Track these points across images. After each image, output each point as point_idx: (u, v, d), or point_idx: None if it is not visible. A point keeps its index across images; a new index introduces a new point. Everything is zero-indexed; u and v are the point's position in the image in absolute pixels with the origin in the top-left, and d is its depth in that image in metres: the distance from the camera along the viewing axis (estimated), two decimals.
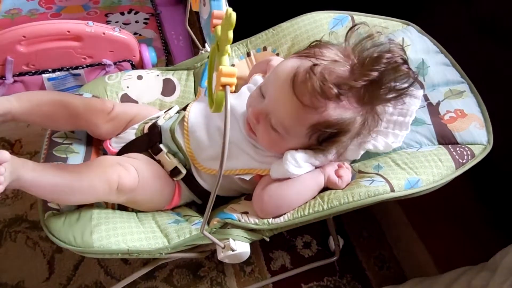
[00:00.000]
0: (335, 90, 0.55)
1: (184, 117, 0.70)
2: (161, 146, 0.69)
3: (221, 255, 0.61)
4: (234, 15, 0.42)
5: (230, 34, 0.43)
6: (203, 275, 0.87)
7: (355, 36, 0.62)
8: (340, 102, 0.57)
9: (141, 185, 0.63)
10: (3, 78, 0.99)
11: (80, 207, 0.66)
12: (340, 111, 0.58)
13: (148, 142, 0.70)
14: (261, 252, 0.90)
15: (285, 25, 0.83)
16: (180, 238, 0.63)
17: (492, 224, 0.84)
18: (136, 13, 1.43)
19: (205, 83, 0.59)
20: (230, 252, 0.60)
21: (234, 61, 0.84)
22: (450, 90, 0.71)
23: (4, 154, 0.51)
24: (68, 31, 0.96)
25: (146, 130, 0.72)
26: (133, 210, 0.71)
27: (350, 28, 0.64)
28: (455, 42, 0.79)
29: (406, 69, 0.59)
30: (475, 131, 0.66)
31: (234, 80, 0.42)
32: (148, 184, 0.65)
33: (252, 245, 0.63)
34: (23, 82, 1.01)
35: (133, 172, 0.63)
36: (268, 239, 0.63)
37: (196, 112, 0.71)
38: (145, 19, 1.41)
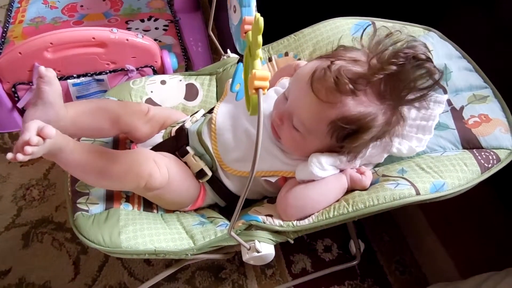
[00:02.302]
0: (350, 85, 0.56)
1: (211, 119, 0.72)
2: (188, 148, 0.71)
3: (246, 257, 0.62)
4: (262, 20, 0.44)
5: (260, 39, 0.45)
6: (225, 277, 0.88)
7: (374, 38, 0.62)
8: (357, 97, 0.57)
9: (168, 184, 0.65)
10: (31, 84, 1.02)
11: (108, 208, 0.67)
12: (360, 107, 0.58)
13: (175, 144, 0.72)
14: (282, 255, 0.90)
15: (306, 31, 0.84)
16: (205, 239, 0.64)
17: None
18: (155, 20, 1.46)
19: (235, 87, 0.60)
20: (255, 254, 0.61)
21: None
22: (474, 95, 0.72)
23: (51, 131, 0.52)
24: (93, 38, 0.98)
25: (173, 133, 0.74)
26: (157, 210, 0.72)
27: (364, 30, 0.65)
28: (477, 47, 0.80)
29: (430, 67, 0.58)
30: (500, 136, 0.66)
31: (267, 84, 0.43)
32: (175, 183, 0.66)
33: None
34: None
35: (164, 171, 0.64)
36: (292, 241, 0.64)
37: (223, 113, 0.73)
38: (165, 25, 1.44)
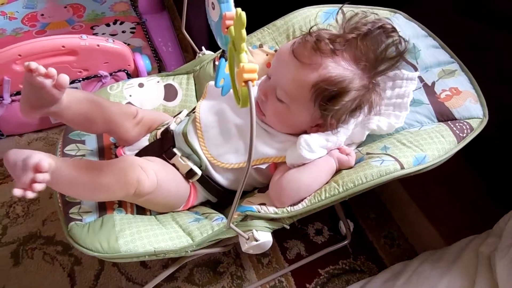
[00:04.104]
0: (330, 45, 0.61)
1: (195, 118, 0.72)
2: (175, 150, 0.71)
3: (245, 246, 0.63)
4: (244, 14, 0.45)
5: (244, 33, 0.46)
6: (223, 271, 0.89)
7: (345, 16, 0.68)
8: (336, 59, 0.62)
9: (158, 188, 0.65)
10: (1, 98, 0.99)
11: (101, 215, 0.67)
12: (339, 69, 0.62)
13: (162, 147, 0.72)
14: (276, 243, 0.93)
15: (279, 22, 0.85)
16: (203, 235, 0.65)
17: (489, 194, 0.89)
18: (121, 23, 1.44)
19: (220, 83, 0.62)
20: (254, 243, 0.63)
21: None
22: (443, 70, 0.75)
23: (49, 163, 0.53)
24: (63, 46, 0.97)
25: (158, 136, 0.74)
26: (150, 212, 0.73)
27: (338, 11, 0.70)
28: (441, 25, 0.83)
29: (397, 35, 0.65)
30: (471, 106, 0.70)
31: (255, 76, 0.45)
32: (165, 186, 0.66)
33: None
34: None
35: (152, 176, 0.64)
36: (288, 227, 0.66)
37: (206, 111, 0.73)
38: (132, 28, 1.42)
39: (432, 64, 0.77)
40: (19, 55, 0.94)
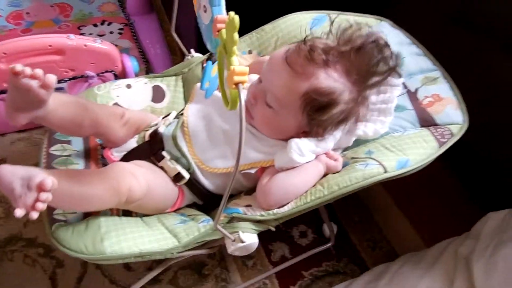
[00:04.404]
0: (323, 56, 0.62)
1: (183, 122, 0.73)
2: (164, 153, 0.71)
3: (231, 248, 0.64)
4: (237, 18, 0.46)
5: (236, 36, 0.47)
6: (208, 273, 0.89)
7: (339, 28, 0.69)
8: (328, 71, 0.62)
9: (148, 194, 0.65)
10: None
11: (86, 216, 0.67)
12: (330, 81, 0.63)
13: (150, 149, 0.72)
14: (261, 245, 0.92)
15: (267, 27, 0.86)
16: (189, 236, 0.66)
17: (469, 198, 0.92)
18: (109, 24, 1.43)
19: (205, 85, 0.62)
20: (240, 244, 0.63)
21: None
22: (426, 77, 0.78)
23: (52, 182, 0.52)
24: (50, 45, 0.96)
25: (147, 138, 0.74)
26: (137, 215, 0.72)
27: (332, 21, 0.70)
28: (426, 33, 0.86)
29: (389, 51, 0.66)
30: (452, 112, 0.72)
31: (246, 78, 0.46)
32: (154, 193, 0.66)
33: None
34: (4, 100, 1.00)
35: (143, 182, 0.64)
36: (274, 229, 0.67)
37: (194, 115, 0.74)
38: (119, 29, 1.41)
39: (415, 71, 0.79)
40: (4, 53, 0.93)
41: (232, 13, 0.46)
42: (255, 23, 0.88)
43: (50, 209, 0.66)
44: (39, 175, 0.52)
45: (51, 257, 0.88)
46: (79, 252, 0.62)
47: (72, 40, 0.97)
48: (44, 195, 0.52)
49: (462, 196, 0.92)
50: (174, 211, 0.75)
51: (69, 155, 0.74)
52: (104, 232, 0.64)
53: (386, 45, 0.67)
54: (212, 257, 0.91)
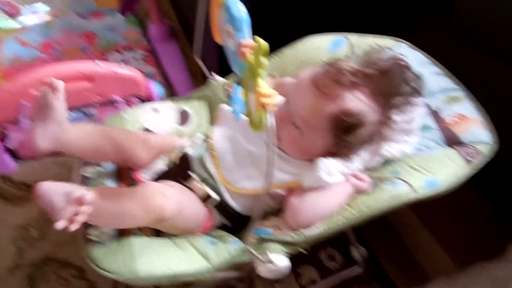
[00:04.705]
0: (350, 78, 0.63)
1: (210, 144, 0.75)
2: (192, 174, 0.73)
3: (262, 271, 0.64)
4: (265, 43, 0.48)
5: (264, 60, 0.49)
6: None
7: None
8: (355, 93, 0.64)
9: (178, 214, 0.66)
10: (19, 122, 1.01)
11: (119, 236, 0.68)
12: (357, 102, 0.64)
13: (179, 171, 0.74)
14: None
15: (287, 51, 0.88)
16: (219, 258, 0.67)
17: (498, 218, 0.90)
18: (133, 51, 1.49)
19: (234, 107, 0.64)
20: (272, 267, 0.63)
21: None
22: (448, 96, 0.77)
23: (90, 197, 0.57)
24: (80, 72, 1.00)
25: (177, 161, 0.76)
26: (167, 236, 0.74)
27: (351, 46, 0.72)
28: (442, 54, 0.86)
29: (412, 73, 0.68)
30: (478, 131, 0.71)
31: (273, 100, 0.47)
32: (184, 213, 0.68)
33: None
34: None
35: (174, 202, 0.65)
36: (305, 252, 0.67)
37: (221, 137, 0.76)
38: (143, 56, 1.47)
39: (437, 91, 0.79)
40: (38, 80, 0.97)
41: (259, 38, 0.48)
42: (273, 46, 0.90)
43: (85, 229, 0.68)
44: (79, 190, 0.57)
45: (85, 279, 0.90)
46: (113, 273, 0.63)
47: (101, 66, 1.02)
48: (83, 208, 0.55)
49: (491, 215, 0.90)
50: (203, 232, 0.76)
51: (101, 177, 0.77)
52: (137, 253, 0.65)
53: (408, 67, 0.69)
54: (241, 281, 0.90)
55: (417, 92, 0.69)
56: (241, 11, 0.56)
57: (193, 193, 0.72)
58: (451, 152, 0.70)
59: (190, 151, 0.76)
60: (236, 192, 0.72)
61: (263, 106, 0.47)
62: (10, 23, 1.58)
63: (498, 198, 0.91)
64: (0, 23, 1.59)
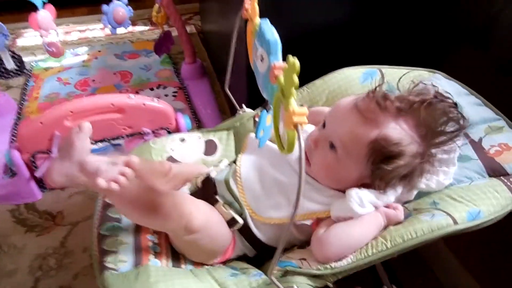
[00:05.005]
0: (397, 104, 0.61)
1: (235, 171, 0.73)
2: (217, 197, 0.71)
3: None
4: (297, 61, 0.47)
5: (295, 78, 0.47)
6: None
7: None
8: (399, 121, 0.61)
9: (206, 228, 0.64)
10: (50, 152, 1.04)
11: (137, 265, 0.65)
12: (399, 131, 0.61)
13: (203, 195, 0.72)
14: None
15: (318, 82, 0.88)
16: None
17: None
18: (164, 87, 1.53)
19: (260, 134, 0.63)
20: None
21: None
22: (489, 126, 0.73)
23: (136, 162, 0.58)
24: (112, 104, 1.03)
25: (199, 185, 0.74)
26: (185, 264, 0.70)
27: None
28: (478, 85, 0.83)
29: (458, 111, 0.65)
30: None
31: (305, 120, 0.45)
32: (212, 228, 0.66)
33: None
34: None
35: (203, 212, 0.64)
36: (332, 285, 0.61)
37: (247, 165, 0.74)
38: (174, 92, 1.51)
39: (477, 121, 0.75)
40: (71, 111, 1.00)
41: (291, 57, 0.47)
42: (306, 79, 0.90)
43: (101, 256, 0.66)
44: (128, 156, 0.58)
45: None
46: None
47: (132, 99, 1.04)
48: (128, 170, 0.57)
49: None
50: (224, 263, 0.72)
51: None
52: (153, 282, 0.61)
53: (455, 105, 0.66)
54: None
55: (462, 130, 0.66)
56: (274, 34, 0.56)
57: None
58: (495, 182, 0.65)
59: (214, 174, 0.74)
60: (261, 221, 0.68)
61: (295, 126, 0.45)
62: (52, 64, 1.69)
63: None
64: (43, 63, 1.70)
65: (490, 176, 0.68)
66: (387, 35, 1.05)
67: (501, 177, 0.66)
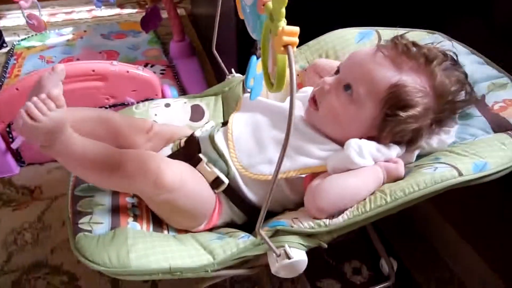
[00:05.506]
0: (423, 50, 0.60)
1: (227, 127, 0.68)
2: (201, 155, 0.65)
3: (275, 266, 0.54)
4: None
5: (283, 9, 0.42)
6: None
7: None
8: (421, 72, 0.60)
9: (181, 187, 0.58)
10: None
11: (113, 227, 0.60)
12: (419, 81, 0.60)
13: (186, 154, 0.67)
14: (308, 282, 0.81)
15: (312, 43, 0.84)
16: (226, 253, 0.57)
17: None
18: (152, 66, 1.47)
19: (250, 82, 0.58)
20: (287, 261, 0.53)
21: None
22: (493, 83, 0.69)
23: (62, 99, 0.53)
24: (93, 71, 0.97)
25: (182, 144, 0.69)
26: (168, 231, 0.65)
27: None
28: (479, 50, 0.79)
29: (470, 86, 0.65)
30: None
31: (296, 40, 0.40)
32: (188, 187, 0.59)
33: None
34: None
35: (176, 171, 0.58)
36: (325, 245, 0.56)
37: (239, 121, 0.69)
38: (162, 70, 1.45)
39: (479, 79, 0.71)
40: None
41: None
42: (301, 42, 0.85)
43: (75, 217, 0.60)
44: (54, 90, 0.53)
45: (75, 286, 0.80)
46: (101, 265, 0.54)
47: (115, 66, 0.98)
48: (50, 103, 0.52)
49: None
50: (211, 230, 0.67)
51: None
52: (131, 244, 0.56)
53: (467, 77, 0.65)
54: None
55: (472, 103, 0.66)
56: None
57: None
58: (502, 136, 0.61)
59: (198, 134, 0.69)
60: (252, 179, 0.63)
61: (285, 47, 0.40)
62: (35, 43, 1.62)
63: None
64: (26, 42, 1.63)
65: (495, 132, 0.63)
66: None
67: (508, 131, 0.61)
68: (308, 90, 0.73)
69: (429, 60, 0.60)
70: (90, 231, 0.59)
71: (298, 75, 0.83)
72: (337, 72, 0.65)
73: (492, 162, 0.55)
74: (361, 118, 0.61)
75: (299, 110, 0.69)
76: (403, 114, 0.58)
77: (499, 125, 0.63)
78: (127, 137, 0.68)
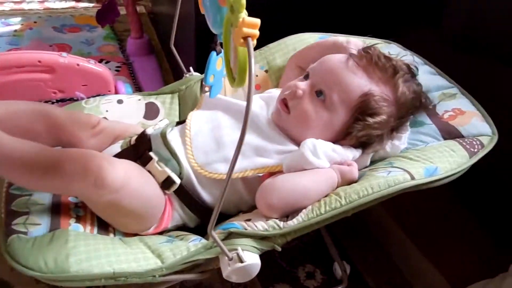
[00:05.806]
0: (392, 62, 0.64)
1: (185, 124, 0.66)
2: (151, 154, 0.62)
3: (228, 270, 0.52)
4: None
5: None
6: None
7: None
8: (387, 84, 0.63)
9: (125, 187, 0.54)
10: None
11: (53, 229, 0.55)
12: (386, 91, 0.63)
13: (136, 152, 0.63)
14: (260, 286, 0.79)
15: (272, 44, 0.84)
16: (176, 256, 0.54)
17: (492, 237, 0.82)
18: (107, 62, 1.41)
19: (209, 79, 0.56)
20: (239, 265, 0.51)
21: None
22: (443, 93, 0.72)
23: None
24: (39, 61, 0.90)
25: (133, 142, 0.65)
26: (114, 234, 0.61)
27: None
28: (429, 57, 0.83)
29: (428, 100, 0.69)
30: (478, 124, 0.65)
31: (257, 32, 0.39)
32: (134, 186, 0.56)
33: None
34: None
35: (118, 168, 0.54)
36: (279, 249, 0.55)
37: (200, 120, 0.67)
38: (117, 67, 1.40)
39: (431, 89, 0.73)
40: None
41: None
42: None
43: (9, 218, 0.55)
44: None
45: None
46: (36, 270, 0.50)
47: (64, 58, 0.92)
48: None
49: (486, 234, 0.82)
50: (161, 233, 0.64)
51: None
52: (71, 247, 0.52)
53: (422, 88, 0.69)
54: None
55: (427, 110, 0.69)
56: None
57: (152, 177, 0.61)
58: (451, 143, 0.63)
59: (150, 131, 0.66)
60: (207, 177, 0.60)
61: (244, 39, 0.38)
62: None
63: (486, 212, 0.83)
64: None
65: (445, 139, 0.66)
66: (342, 5, 1.02)
67: (457, 139, 0.64)
68: (273, 91, 0.73)
69: (395, 72, 0.63)
70: (25, 233, 0.53)
71: (257, 75, 0.82)
72: (307, 76, 0.65)
73: (442, 167, 0.57)
74: (333, 123, 0.62)
75: (262, 109, 0.68)
76: (371, 120, 0.61)
77: (449, 133, 0.66)
78: (69, 132, 0.63)
